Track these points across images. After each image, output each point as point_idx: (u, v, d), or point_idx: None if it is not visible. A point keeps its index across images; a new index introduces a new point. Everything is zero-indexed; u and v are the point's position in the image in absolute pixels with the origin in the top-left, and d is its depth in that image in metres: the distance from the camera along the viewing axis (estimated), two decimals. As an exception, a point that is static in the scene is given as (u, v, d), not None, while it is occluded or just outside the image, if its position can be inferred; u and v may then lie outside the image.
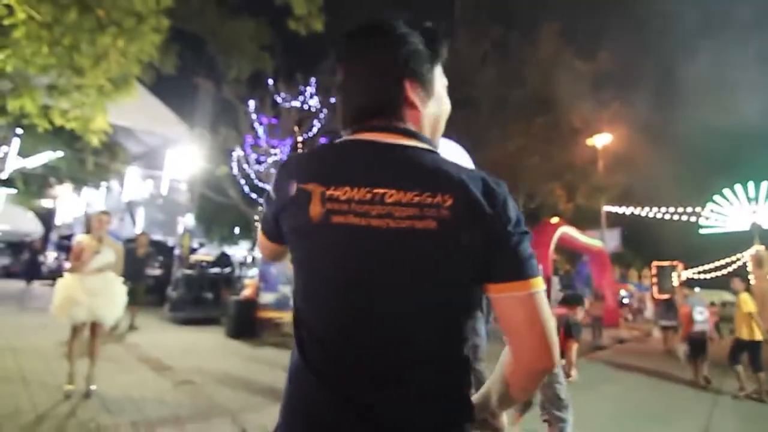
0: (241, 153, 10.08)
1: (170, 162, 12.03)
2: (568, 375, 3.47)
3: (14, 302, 9.85)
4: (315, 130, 11.90)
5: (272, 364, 5.99)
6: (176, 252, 11.19)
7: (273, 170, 10.30)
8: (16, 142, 12.63)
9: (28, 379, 4.35)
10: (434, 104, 0.86)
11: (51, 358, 5.27)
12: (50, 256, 19.89)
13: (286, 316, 8.11)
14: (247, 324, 7.83)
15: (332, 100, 13.70)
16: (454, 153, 5.27)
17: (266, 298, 8.06)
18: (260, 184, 10.26)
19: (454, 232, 0.72)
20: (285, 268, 7.88)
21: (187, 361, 5.55)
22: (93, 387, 3.99)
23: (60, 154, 13.33)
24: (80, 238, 4.09)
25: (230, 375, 5.16)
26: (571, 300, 3.90)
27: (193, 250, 13.81)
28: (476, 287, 0.77)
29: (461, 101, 15.29)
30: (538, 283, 0.75)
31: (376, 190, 0.74)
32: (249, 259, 14.98)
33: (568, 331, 3.55)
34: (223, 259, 13.08)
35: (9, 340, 6.17)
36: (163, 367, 5.28)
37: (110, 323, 4.21)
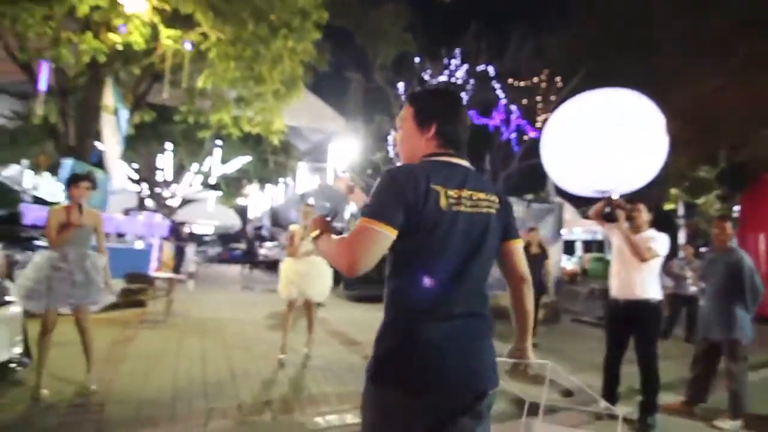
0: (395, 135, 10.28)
1: (333, 154, 13.11)
2: None
3: (232, 283, 12.05)
4: (464, 101, 11.47)
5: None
6: (344, 235, 12.14)
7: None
8: (218, 152, 15.33)
9: (250, 347, 5.11)
10: None
11: (263, 329, 6.15)
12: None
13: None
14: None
15: (479, 68, 13.04)
16: (637, 104, 4.23)
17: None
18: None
19: (500, 215, 1.38)
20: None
21: (370, 336, 5.88)
22: (306, 350, 4.65)
23: (249, 158, 15.72)
24: (292, 227, 4.74)
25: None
26: None
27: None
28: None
29: (637, 44, 12.91)
30: (520, 241, 1.48)
31: (470, 192, 1.31)
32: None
33: None
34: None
35: (233, 313, 7.47)
36: (351, 341, 5.69)
37: (319, 300, 4.73)
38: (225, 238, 29.14)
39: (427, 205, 1.22)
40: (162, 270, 12.62)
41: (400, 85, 10.78)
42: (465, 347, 1.24)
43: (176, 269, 12.21)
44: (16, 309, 3.59)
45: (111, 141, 7.59)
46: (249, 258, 13.39)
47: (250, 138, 13.95)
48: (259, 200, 23.62)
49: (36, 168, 13.68)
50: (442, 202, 1.24)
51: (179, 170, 16.09)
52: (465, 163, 1.37)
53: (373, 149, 11.51)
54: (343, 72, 13.44)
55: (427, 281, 1.22)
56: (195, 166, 16.02)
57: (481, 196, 1.32)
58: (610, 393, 3.50)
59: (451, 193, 1.26)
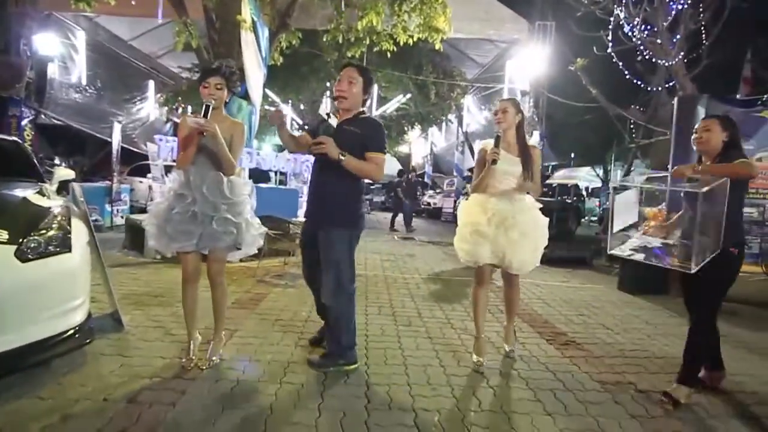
0: (618, 16, 6.70)
1: (510, 75, 10.31)
2: None
3: (391, 231, 11.04)
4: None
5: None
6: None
7: (667, 39, 6.63)
8: (374, 92, 14.05)
9: (397, 327, 3.41)
10: None
11: (420, 298, 4.43)
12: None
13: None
14: (647, 276, 5.19)
15: None
16: None
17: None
18: (654, 60, 6.75)
19: (362, 134, 2.53)
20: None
21: (580, 328, 3.60)
22: (507, 347, 3.04)
23: (408, 95, 14.04)
24: (484, 143, 3.13)
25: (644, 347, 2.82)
26: None
27: (544, 176, 12.09)
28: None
29: None
30: (378, 154, 2.58)
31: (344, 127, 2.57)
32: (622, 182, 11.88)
33: None
34: (574, 187, 10.81)
35: (386, 269, 6.02)
36: (555, 332, 3.50)
37: (527, 270, 2.87)
38: (389, 186, 29.19)
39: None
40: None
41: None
42: (320, 205, 2.63)
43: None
44: (74, 262, 2.50)
45: (252, 65, 6.61)
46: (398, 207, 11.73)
47: (410, 64, 12.10)
48: (420, 146, 22.28)
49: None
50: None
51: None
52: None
53: (571, 56, 8.24)
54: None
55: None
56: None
57: (353, 127, 2.53)
58: None
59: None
